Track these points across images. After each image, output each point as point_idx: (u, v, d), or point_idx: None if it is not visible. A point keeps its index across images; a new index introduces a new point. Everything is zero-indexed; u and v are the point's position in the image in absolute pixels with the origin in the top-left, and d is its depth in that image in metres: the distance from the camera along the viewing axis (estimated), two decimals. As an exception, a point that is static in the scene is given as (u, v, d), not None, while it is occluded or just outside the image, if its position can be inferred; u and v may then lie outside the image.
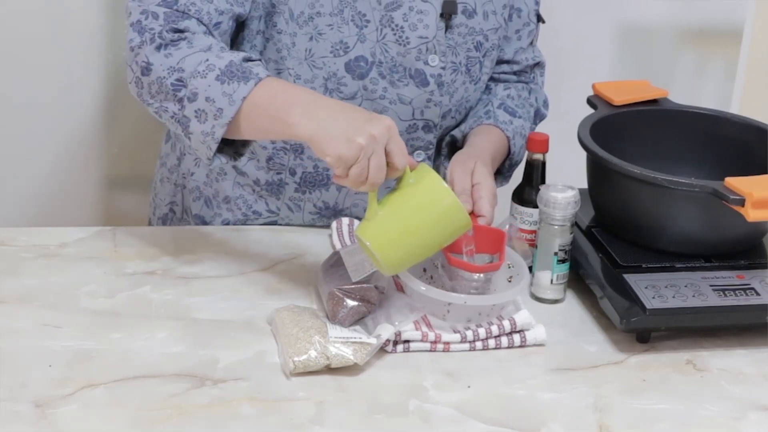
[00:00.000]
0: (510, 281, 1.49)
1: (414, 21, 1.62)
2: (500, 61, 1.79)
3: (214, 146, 1.45)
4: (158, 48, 1.47)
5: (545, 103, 1.85)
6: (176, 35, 1.48)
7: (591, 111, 1.72)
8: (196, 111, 1.44)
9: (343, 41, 1.60)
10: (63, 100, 2.18)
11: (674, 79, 2.46)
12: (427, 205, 1.39)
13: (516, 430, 1.29)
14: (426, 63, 1.64)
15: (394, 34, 1.61)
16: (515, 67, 1.80)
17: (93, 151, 2.23)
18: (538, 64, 1.83)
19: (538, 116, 1.83)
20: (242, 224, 1.75)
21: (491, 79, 1.79)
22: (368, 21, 1.60)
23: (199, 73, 1.44)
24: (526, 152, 1.61)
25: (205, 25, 1.51)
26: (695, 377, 1.41)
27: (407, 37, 1.62)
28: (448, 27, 1.65)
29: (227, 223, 1.75)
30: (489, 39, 1.70)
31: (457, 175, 1.56)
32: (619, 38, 2.43)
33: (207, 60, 1.45)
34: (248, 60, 1.47)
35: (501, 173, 1.76)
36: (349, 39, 1.60)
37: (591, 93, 1.77)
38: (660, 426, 1.31)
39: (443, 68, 1.65)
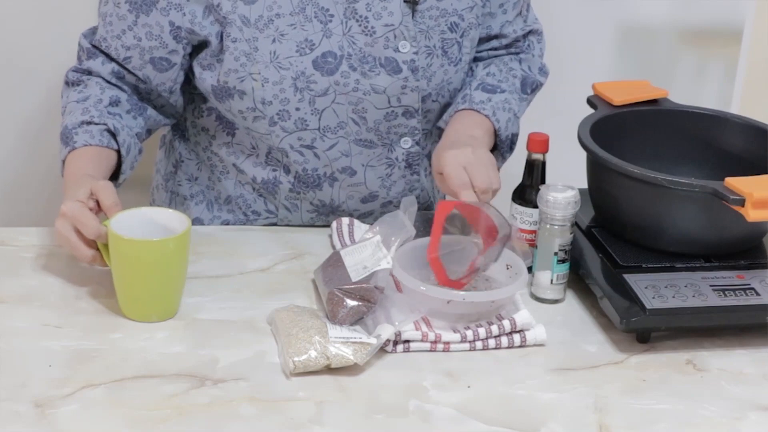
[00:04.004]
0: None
1: (378, 10, 1.61)
2: (489, 38, 1.77)
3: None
4: (67, 84, 1.70)
5: (541, 71, 1.81)
6: (79, 77, 1.68)
7: (591, 111, 1.72)
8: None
9: (308, 39, 1.60)
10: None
11: (674, 79, 2.46)
12: (117, 253, 1.43)
13: (516, 430, 1.29)
14: (396, 50, 1.63)
15: (359, 25, 1.61)
16: (504, 41, 1.78)
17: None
18: (532, 32, 1.81)
19: (529, 84, 1.79)
20: (242, 225, 1.75)
21: (479, 59, 1.78)
22: (332, 15, 1.60)
23: (62, 122, 1.65)
24: (527, 152, 1.60)
25: (113, 59, 1.66)
26: (695, 377, 1.41)
27: (373, 27, 1.61)
28: (414, 12, 1.64)
29: (227, 224, 1.76)
30: (465, 18, 1.69)
31: (452, 170, 1.54)
32: (619, 38, 2.43)
33: (71, 113, 1.64)
34: (87, 123, 1.61)
35: (498, 151, 1.73)
36: (314, 36, 1.60)
37: (591, 93, 1.77)
38: (660, 426, 1.31)
39: (416, 53, 1.64)
